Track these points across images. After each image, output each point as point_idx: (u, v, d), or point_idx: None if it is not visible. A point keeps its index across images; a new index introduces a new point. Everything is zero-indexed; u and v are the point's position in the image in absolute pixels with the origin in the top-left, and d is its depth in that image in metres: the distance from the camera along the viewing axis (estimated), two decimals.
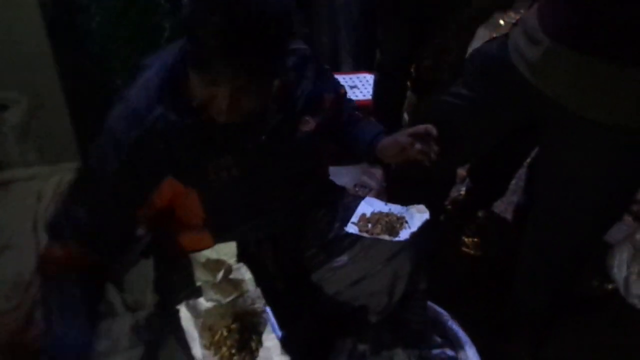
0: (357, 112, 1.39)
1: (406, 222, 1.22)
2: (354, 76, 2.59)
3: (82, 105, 1.40)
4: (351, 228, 1.20)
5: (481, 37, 1.84)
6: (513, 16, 1.97)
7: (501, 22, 2.04)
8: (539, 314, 1.62)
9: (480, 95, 1.35)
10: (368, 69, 2.75)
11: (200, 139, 1.02)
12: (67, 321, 1.04)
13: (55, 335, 1.04)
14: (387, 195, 1.77)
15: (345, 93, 1.38)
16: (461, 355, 1.45)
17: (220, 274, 1.16)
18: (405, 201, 1.28)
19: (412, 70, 1.97)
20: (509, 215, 2.18)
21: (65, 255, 1.05)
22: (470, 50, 1.69)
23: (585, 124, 1.15)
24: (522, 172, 2.15)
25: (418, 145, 1.23)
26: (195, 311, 1.10)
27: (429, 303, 1.52)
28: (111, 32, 1.38)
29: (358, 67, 2.86)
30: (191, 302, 1.11)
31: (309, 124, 1.16)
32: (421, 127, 1.24)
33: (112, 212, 1.05)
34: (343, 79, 2.56)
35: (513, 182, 2.16)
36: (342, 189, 1.43)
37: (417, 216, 1.22)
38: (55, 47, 1.28)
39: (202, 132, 1.01)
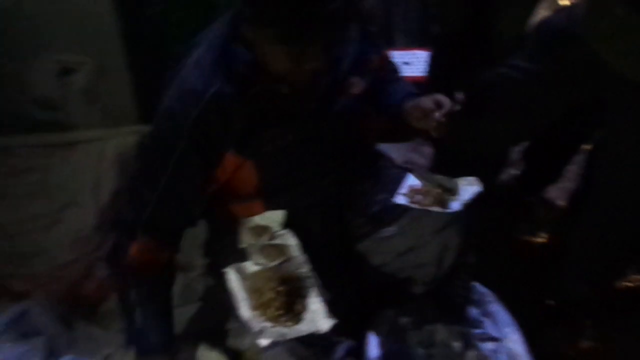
0: (396, 74, 1.37)
1: (457, 194, 1.20)
2: (406, 53, 2.54)
3: (142, 69, 1.44)
4: (400, 199, 1.20)
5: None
6: None
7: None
8: (586, 302, 1.57)
9: (543, 69, 1.30)
10: (420, 46, 2.70)
11: (257, 109, 1.03)
12: (148, 316, 1.12)
13: (138, 331, 1.12)
14: (436, 167, 1.75)
15: (387, 57, 1.36)
16: (504, 336, 1.44)
17: (264, 238, 1.19)
18: (456, 175, 1.26)
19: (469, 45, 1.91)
20: (561, 202, 2.11)
21: (142, 253, 1.09)
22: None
23: None
24: (579, 159, 2.07)
25: (437, 115, 1.17)
26: (242, 274, 1.13)
27: (475, 283, 1.51)
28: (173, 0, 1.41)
29: (410, 43, 2.81)
30: (239, 264, 1.14)
31: (358, 86, 1.16)
32: (446, 99, 1.19)
33: (182, 196, 1.09)
34: (396, 55, 2.51)
35: (569, 168, 2.08)
36: (390, 160, 1.42)
37: (468, 189, 1.21)
38: (119, 12, 1.33)
39: (258, 103, 1.03)
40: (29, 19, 1.32)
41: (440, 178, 1.24)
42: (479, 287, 1.53)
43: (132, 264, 1.09)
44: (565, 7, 1.30)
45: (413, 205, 1.17)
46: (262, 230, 1.21)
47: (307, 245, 1.19)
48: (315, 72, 0.98)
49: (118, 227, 1.13)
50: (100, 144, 1.48)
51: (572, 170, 2.13)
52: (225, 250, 1.25)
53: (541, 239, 1.94)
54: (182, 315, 1.48)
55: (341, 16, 0.96)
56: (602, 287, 1.52)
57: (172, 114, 1.03)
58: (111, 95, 1.46)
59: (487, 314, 1.48)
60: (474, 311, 1.47)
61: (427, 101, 1.19)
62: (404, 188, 1.21)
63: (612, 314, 1.65)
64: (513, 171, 2.17)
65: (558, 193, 2.15)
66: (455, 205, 1.15)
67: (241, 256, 1.19)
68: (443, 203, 1.17)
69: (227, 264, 1.16)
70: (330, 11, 0.89)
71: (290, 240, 1.18)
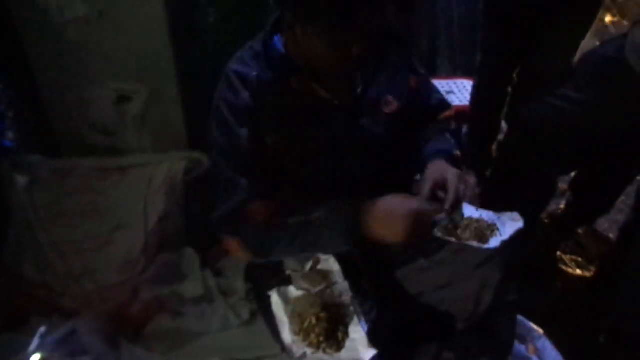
0: (448, 134, 1.28)
1: (497, 229, 1.17)
2: (450, 81, 2.55)
3: (194, 97, 1.50)
4: (440, 231, 1.17)
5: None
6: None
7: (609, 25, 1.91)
8: (638, 340, 1.49)
9: (592, 99, 1.28)
10: (465, 75, 2.69)
11: (291, 102, 1.08)
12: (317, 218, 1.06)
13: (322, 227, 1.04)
14: (480, 201, 1.72)
15: (429, 83, 1.32)
16: None
17: (309, 264, 1.20)
18: (499, 209, 1.23)
19: (514, 75, 1.90)
20: (612, 234, 2.03)
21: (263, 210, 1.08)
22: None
23: None
24: (630, 190, 1.99)
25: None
26: (285, 298, 1.14)
27: (521, 318, 1.46)
28: (225, 28, 1.48)
29: (455, 72, 2.81)
30: (282, 289, 1.15)
31: (392, 105, 1.16)
32: (470, 182, 1.14)
33: (263, 164, 1.09)
34: (440, 83, 2.52)
35: (620, 199, 2.00)
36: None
37: (510, 224, 1.17)
38: (174, 42, 1.39)
39: (293, 96, 1.07)
40: (93, 50, 1.40)
41: (482, 212, 1.21)
42: (526, 322, 1.48)
43: (263, 215, 1.08)
44: (613, 37, 1.27)
45: (451, 239, 1.14)
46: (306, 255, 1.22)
47: (348, 272, 1.18)
48: (358, 62, 1.02)
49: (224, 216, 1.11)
50: (150, 168, 1.54)
51: (623, 202, 2.06)
52: (267, 274, 1.26)
53: (591, 273, 1.87)
54: (223, 339, 1.50)
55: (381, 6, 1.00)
56: None
57: (227, 100, 1.08)
58: (164, 122, 1.52)
59: (534, 350, 1.43)
60: (521, 348, 1.42)
61: (453, 176, 1.09)
62: (444, 220, 1.19)
63: None
64: (561, 202, 2.11)
65: (608, 225, 2.08)
66: (496, 241, 1.12)
67: (283, 280, 1.20)
68: (483, 238, 1.14)
69: (269, 288, 1.16)
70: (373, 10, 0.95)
71: (334, 266, 1.18)
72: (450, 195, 1.05)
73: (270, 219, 1.07)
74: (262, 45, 1.09)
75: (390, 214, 0.97)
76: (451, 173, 1.09)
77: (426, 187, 1.08)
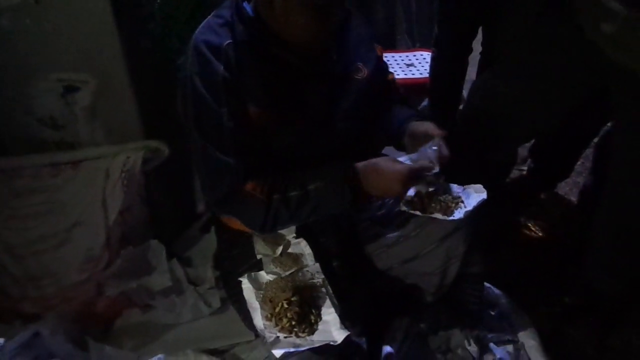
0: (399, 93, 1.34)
1: (462, 201, 1.18)
2: (410, 54, 2.54)
3: (147, 84, 1.44)
4: (405, 205, 1.18)
5: None
6: None
7: None
8: (608, 300, 1.54)
9: (549, 67, 1.29)
10: (424, 47, 2.69)
11: (270, 67, 1.05)
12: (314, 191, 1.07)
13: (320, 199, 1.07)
14: (444, 174, 1.74)
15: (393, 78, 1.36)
16: (521, 339, 1.41)
17: (280, 248, 1.18)
18: (464, 181, 1.24)
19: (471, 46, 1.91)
20: (573, 197, 2.09)
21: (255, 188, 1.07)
22: None
23: None
24: (588, 153, 2.05)
25: (445, 150, 1.11)
26: (256, 283, 1.12)
27: (489, 285, 1.49)
28: (172, 13, 1.41)
29: (414, 44, 2.81)
30: (253, 274, 1.13)
31: (362, 71, 1.17)
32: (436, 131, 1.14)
33: (251, 138, 1.07)
34: (399, 56, 2.51)
35: (579, 162, 2.06)
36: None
37: (474, 196, 1.17)
38: (120, 29, 1.32)
39: (270, 60, 1.05)
40: (32, 39, 1.32)
41: (446, 184, 1.21)
42: (493, 289, 1.51)
43: (260, 192, 1.07)
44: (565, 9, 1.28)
45: (417, 212, 1.14)
46: (275, 239, 1.20)
47: (317, 253, 1.17)
48: (335, 30, 1.03)
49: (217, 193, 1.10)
50: (106, 161, 1.47)
51: (582, 165, 2.12)
52: (236, 261, 1.24)
53: (555, 236, 1.92)
54: (195, 329, 1.47)
55: None
56: (629, 282, 1.49)
57: (201, 75, 1.04)
58: (116, 111, 1.45)
59: (503, 316, 1.46)
60: (489, 314, 1.45)
61: (435, 130, 1.14)
62: (410, 193, 1.19)
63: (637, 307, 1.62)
64: (522, 168, 2.15)
65: (569, 188, 2.14)
66: (460, 213, 1.13)
67: (254, 266, 1.18)
68: (448, 210, 1.14)
69: (239, 274, 1.15)
70: None
71: (305, 249, 1.17)
72: (443, 150, 1.10)
73: (268, 195, 1.06)
74: (235, 12, 1.05)
75: (382, 173, 1.03)
76: (435, 129, 1.13)
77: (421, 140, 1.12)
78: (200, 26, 1.08)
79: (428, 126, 1.15)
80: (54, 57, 1.36)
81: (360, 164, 1.06)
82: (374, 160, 1.06)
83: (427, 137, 1.11)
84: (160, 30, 1.43)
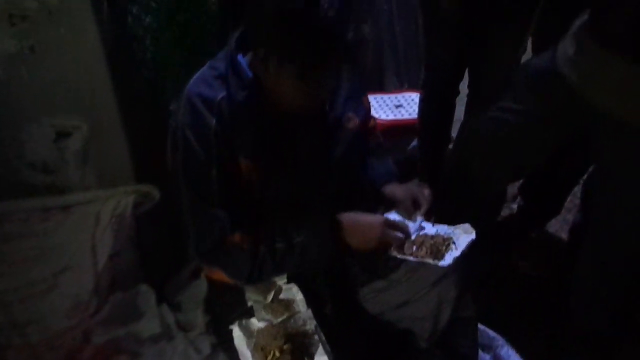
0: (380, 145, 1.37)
1: (453, 243, 1.17)
2: (399, 95, 2.59)
3: (138, 130, 1.45)
4: (395, 250, 1.16)
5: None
6: None
7: None
8: (599, 335, 1.54)
9: (532, 109, 1.32)
10: (412, 88, 2.75)
11: (262, 121, 1.06)
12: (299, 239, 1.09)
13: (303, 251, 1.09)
14: (434, 214, 1.75)
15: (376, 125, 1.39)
16: None
17: (271, 294, 1.17)
18: (454, 220, 1.24)
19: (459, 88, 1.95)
20: (564, 235, 2.10)
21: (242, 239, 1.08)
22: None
23: (638, 132, 1.11)
24: (577, 190, 2.07)
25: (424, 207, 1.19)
26: (247, 331, 1.11)
27: (483, 327, 1.48)
28: (164, 61, 1.44)
29: (402, 86, 2.87)
30: (244, 321, 1.12)
31: (353, 120, 1.18)
32: (424, 197, 1.21)
33: (236, 192, 1.08)
34: (388, 97, 2.56)
35: (568, 200, 2.08)
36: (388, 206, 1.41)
37: (463, 237, 1.17)
38: (113, 75, 1.35)
39: (263, 115, 1.06)
40: (27, 86, 1.34)
41: (437, 227, 1.22)
42: (487, 331, 1.50)
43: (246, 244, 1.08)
44: (546, 50, 1.33)
45: (407, 257, 1.14)
46: (266, 285, 1.19)
47: (310, 300, 1.16)
48: (326, 94, 1.06)
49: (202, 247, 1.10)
50: (96, 205, 1.47)
51: (571, 201, 2.14)
52: (227, 307, 1.23)
53: (546, 274, 1.92)
54: None
55: (350, 49, 1.00)
56: (617, 318, 1.49)
57: (192, 126, 1.04)
58: (108, 156, 1.46)
59: (498, 358, 1.45)
60: (485, 357, 1.44)
61: (419, 190, 1.22)
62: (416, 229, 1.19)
63: (632, 346, 1.61)
64: (512, 206, 2.17)
65: (559, 226, 2.15)
66: (451, 256, 1.12)
67: (245, 312, 1.17)
68: (438, 254, 1.14)
69: (230, 321, 1.13)
70: (345, 47, 0.97)
71: (296, 295, 1.16)
72: (424, 204, 1.17)
73: (254, 246, 1.06)
74: (229, 66, 1.05)
75: (363, 226, 1.08)
76: (417, 188, 1.21)
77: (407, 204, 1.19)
78: (195, 77, 1.08)
79: (404, 193, 1.20)
80: (47, 103, 1.38)
81: (341, 216, 1.08)
82: (353, 212, 1.09)
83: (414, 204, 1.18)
84: (153, 76, 1.46)
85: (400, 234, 1.11)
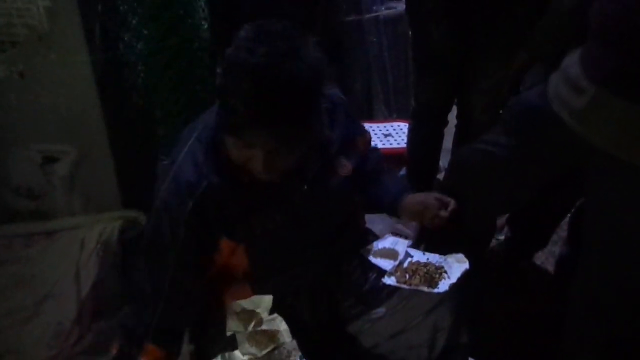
0: (383, 163, 1.36)
1: (445, 272, 1.18)
2: (387, 124, 2.62)
3: (126, 156, 1.45)
4: (388, 279, 1.17)
5: None
6: None
7: None
8: None
9: (521, 144, 1.33)
10: (401, 117, 2.78)
11: (246, 197, 1.05)
12: None
13: None
14: (424, 244, 1.75)
15: (370, 140, 1.36)
16: None
17: (252, 325, 1.15)
18: (444, 251, 1.25)
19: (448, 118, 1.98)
20: (550, 267, 2.10)
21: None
22: None
23: (634, 171, 1.11)
24: (563, 223, 2.08)
25: (444, 213, 1.21)
26: None
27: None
28: (155, 87, 1.45)
29: (391, 115, 2.90)
30: (227, 354, 1.09)
31: (346, 167, 1.17)
32: (449, 199, 1.23)
33: (189, 289, 1.11)
34: (377, 127, 2.58)
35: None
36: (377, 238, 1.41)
37: (456, 266, 1.17)
38: (103, 102, 1.35)
39: (246, 191, 1.04)
40: (15, 111, 1.33)
41: (428, 256, 1.22)
42: None
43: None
44: (535, 86, 1.35)
45: (401, 285, 1.14)
46: (249, 315, 1.17)
47: (296, 331, 1.15)
48: (287, 167, 1.00)
49: (125, 336, 1.13)
50: (81, 231, 1.46)
51: (557, 234, 2.14)
52: (211, 339, 1.21)
53: (533, 307, 1.91)
54: None
55: (315, 125, 0.96)
56: (609, 352, 1.48)
57: (168, 208, 1.03)
58: (95, 182, 1.45)
59: None
60: None
61: (430, 199, 1.23)
62: (393, 267, 1.19)
63: None
64: (499, 237, 2.17)
65: (545, 258, 2.15)
66: (445, 284, 1.12)
67: (229, 343, 1.15)
68: (432, 282, 1.14)
69: (213, 352, 1.11)
70: (294, 123, 0.89)
71: (280, 325, 1.14)
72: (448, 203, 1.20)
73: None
74: (210, 146, 1.02)
75: None
76: (431, 196, 1.23)
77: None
78: (185, 151, 1.04)
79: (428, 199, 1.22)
80: (35, 129, 1.38)
81: None
82: None
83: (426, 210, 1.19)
84: (143, 101, 1.46)
85: None
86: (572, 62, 1.21)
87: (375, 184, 1.31)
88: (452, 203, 1.21)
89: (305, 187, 1.10)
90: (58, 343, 1.43)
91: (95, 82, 1.33)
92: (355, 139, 1.23)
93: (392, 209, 1.28)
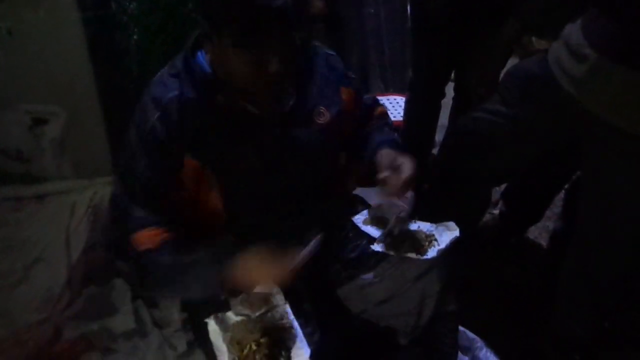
0: (387, 128, 1.32)
1: (435, 240, 1.17)
2: (383, 98, 2.60)
3: (118, 120, 1.42)
4: (377, 245, 1.16)
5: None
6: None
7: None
8: (581, 343, 1.54)
9: (520, 113, 1.32)
10: (397, 92, 2.76)
11: (218, 120, 1.04)
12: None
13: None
14: (417, 215, 1.74)
15: (379, 105, 1.35)
16: None
17: None
18: (436, 221, 1.23)
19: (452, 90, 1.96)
20: (543, 241, 2.11)
21: (150, 238, 1.06)
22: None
23: (634, 140, 1.11)
24: (557, 198, 2.09)
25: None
26: (223, 325, 1.07)
27: (462, 329, 1.47)
28: (148, 49, 1.42)
29: (387, 89, 2.88)
30: (220, 315, 1.09)
31: (324, 116, 1.15)
32: (409, 167, 1.12)
33: (157, 192, 1.05)
34: None
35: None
36: (369, 206, 1.40)
37: (447, 234, 1.17)
38: (95, 63, 1.32)
39: (219, 113, 1.04)
40: (2, 70, 1.30)
41: (419, 224, 1.21)
42: (467, 333, 1.49)
43: (147, 248, 1.05)
44: (537, 54, 1.33)
45: (390, 252, 1.13)
46: None
47: (287, 294, 1.14)
48: (277, 78, 0.98)
49: (117, 227, 1.10)
50: (72, 195, 1.43)
51: (551, 209, 2.15)
52: (203, 303, 1.19)
53: (526, 280, 1.92)
54: None
55: (294, 16, 0.94)
56: (600, 325, 1.49)
57: (136, 123, 1.05)
58: (86, 146, 1.43)
59: None
60: (463, 359, 1.42)
61: (405, 162, 1.13)
62: (381, 234, 1.18)
63: (607, 354, 1.62)
64: (494, 211, 2.18)
65: (539, 233, 2.16)
66: (434, 251, 1.12)
67: (221, 306, 1.14)
68: (421, 249, 1.13)
69: (206, 315, 1.10)
70: (281, 8, 0.90)
71: (274, 289, 1.14)
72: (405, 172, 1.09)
73: (148, 252, 1.04)
74: (183, 63, 1.04)
75: (254, 273, 1.03)
76: (404, 157, 1.12)
77: (381, 175, 1.11)
78: (155, 76, 1.07)
79: (396, 159, 1.13)
80: (24, 89, 1.34)
81: (231, 263, 1.03)
82: (248, 255, 1.04)
83: (396, 171, 1.10)
84: (135, 65, 1.43)
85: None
86: (573, 29, 1.19)
87: (364, 141, 1.27)
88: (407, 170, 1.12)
89: (280, 124, 1.09)
90: (48, 308, 1.41)
91: (87, 42, 1.30)
92: (338, 90, 1.19)
93: (370, 158, 1.21)
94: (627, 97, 1.10)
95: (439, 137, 2.24)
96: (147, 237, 1.05)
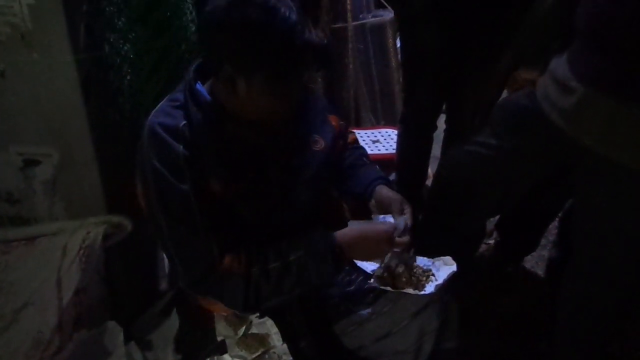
0: (365, 158, 1.37)
1: (432, 275, 1.16)
2: (375, 131, 2.62)
3: (111, 160, 1.41)
4: (375, 281, 1.15)
5: None
6: None
7: None
8: None
9: (511, 145, 1.34)
10: (388, 124, 2.79)
11: (225, 147, 1.05)
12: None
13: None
14: (413, 249, 1.74)
15: (355, 139, 1.41)
16: None
17: (242, 329, 1.13)
18: (432, 255, 1.23)
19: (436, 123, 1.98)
20: (539, 271, 2.10)
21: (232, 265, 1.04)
22: None
23: (623, 170, 1.12)
24: (552, 227, 2.09)
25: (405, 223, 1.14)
26: None
27: None
28: (142, 89, 1.42)
29: (378, 122, 2.91)
30: (216, 358, 1.06)
31: (319, 143, 1.19)
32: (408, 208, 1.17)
33: (219, 216, 1.05)
34: (365, 133, 2.58)
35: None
36: None
37: (444, 269, 1.16)
38: (87, 104, 1.32)
39: (226, 141, 1.05)
40: None
41: (415, 258, 1.20)
42: None
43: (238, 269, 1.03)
44: (526, 87, 1.35)
45: (387, 288, 1.12)
46: (237, 319, 1.15)
47: (284, 334, 1.12)
48: (294, 108, 1.05)
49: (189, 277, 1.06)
50: (64, 236, 1.40)
51: (546, 237, 2.15)
52: (199, 344, 1.17)
53: (523, 310, 1.91)
54: None
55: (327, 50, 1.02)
56: (598, 354, 1.47)
57: (160, 157, 1.01)
58: (78, 186, 1.41)
59: None
60: None
61: (403, 201, 1.19)
62: (379, 269, 1.17)
63: None
64: (489, 241, 2.17)
65: (535, 262, 2.15)
66: (431, 287, 1.11)
67: (217, 348, 1.12)
68: (419, 284, 1.13)
69: (201, 357, 1.08)
70: (317, 45, 0.96)
71: (270, 329, 1.12)
72: (408, 218, 1.13)
73: (246, 268, 1.02)
74: (188, 94, 1.05)
75: (364, 238, 1.06)
76: (401, 199, 1.18)
77: (395, 209, 1.16)
78: (154, 111, 1.08)
79: (395, 196, 1.19)
80: (16, 130, 1.34)
81: (341, 232, 1.06)
82: (355, 226, 1.07)
83: (395, 204, 1.16)
84: (129, 104, 1.43)
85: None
86: (560, 62, 1.22)
87: (352, 175, 1.32)
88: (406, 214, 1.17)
89: (280, 152, 1.12)
90: (37, 353, 1.37)
91: (80, 84, 1.30)
92: (327, 118, 1.26)
93: (365, 194, 1.26)
94: (615, 128, 1.11)
95: (432, 169, 2.26)
96: (232, 263, 1.03)
